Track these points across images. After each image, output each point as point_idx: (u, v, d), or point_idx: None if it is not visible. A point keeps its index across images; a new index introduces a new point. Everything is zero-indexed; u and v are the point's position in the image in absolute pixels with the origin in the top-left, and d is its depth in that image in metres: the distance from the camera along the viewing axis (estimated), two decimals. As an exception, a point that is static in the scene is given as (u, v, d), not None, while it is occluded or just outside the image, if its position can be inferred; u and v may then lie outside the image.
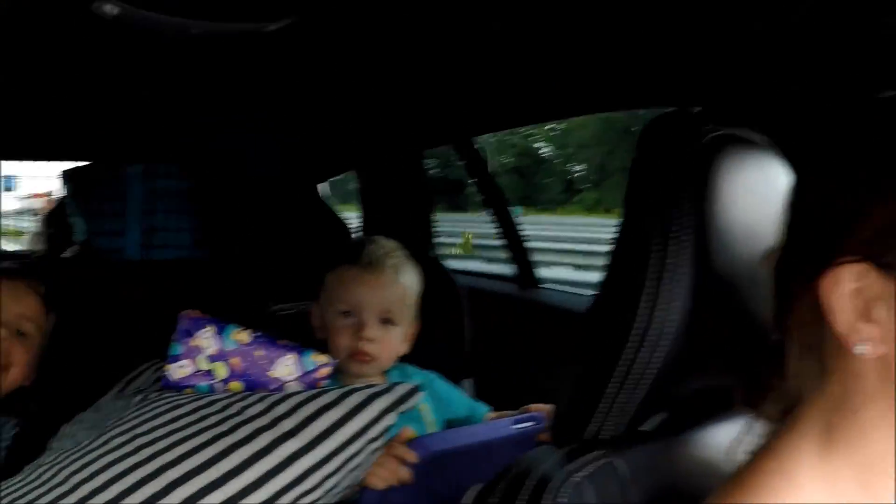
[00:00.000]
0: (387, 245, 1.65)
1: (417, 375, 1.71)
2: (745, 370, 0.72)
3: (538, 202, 24.41)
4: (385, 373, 1.66)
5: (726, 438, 0.78)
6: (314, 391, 1.28)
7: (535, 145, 27.09)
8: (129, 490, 1.10)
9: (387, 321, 1.59)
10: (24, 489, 1.15)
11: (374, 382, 1.60)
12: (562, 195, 26.23)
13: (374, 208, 2.55)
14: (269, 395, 1.28)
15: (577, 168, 27.13)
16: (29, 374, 1.59)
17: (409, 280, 1.64)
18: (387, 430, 1.26)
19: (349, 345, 1.57)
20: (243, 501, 1.12)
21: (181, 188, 2.50)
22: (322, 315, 1.63)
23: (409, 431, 1.36)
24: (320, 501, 1.21)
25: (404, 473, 1.32)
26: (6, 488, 1.18)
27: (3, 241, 8.39)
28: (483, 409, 1.73)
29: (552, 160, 27.80)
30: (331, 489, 1.21)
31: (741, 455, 0.68)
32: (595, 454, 0.77)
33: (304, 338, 1.58)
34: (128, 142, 2.44)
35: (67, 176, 2.59)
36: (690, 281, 0.76)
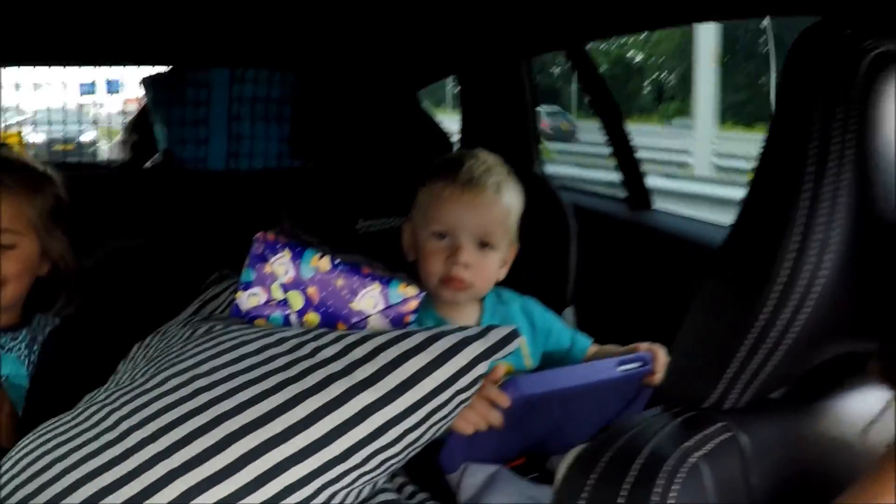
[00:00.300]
0: (488, 160, 1.49)
1: (514, 301, 1.57)
2: (891, 338, 0.64)
3: (629, 110, 24.63)
4: (480, 300, 1.52)
5: (861, 411, 0.72)
6: (397, 333, 1.12)
7: (628, 55, 27.44)
8: (180, 442, 0.97)
9: (485, 245, 1.44)
10: (75, 430, 1.04)
11: (466, 311, 1.49)
12: (651, 104, 26.13)
13: (474, 117, 2.36)
14: (346, 335, 1.13)
15: (663, 78, 27.37)
16: (29, 281, 1.49)
17: (510, 200, 1.48)
18: (478, 380, 1.11)
19: (442, 270, 1.43)
20: (310, 458, 0.98)
21: (270, 94, 2.36)
22: (414, 235, 1.50)
23: (503, 369, 1.21)
24: (399, 456, 1.07)
25: (495, 417, 1.18)
26: (57, 424, 1.07)
27: (107, 142, 8.46)
28: (584, 342, 1.58)
29: (642, 69, 27.71)
30: (411, 444, 1.07)
31: (878, 438, 0.61)
32: (716, 427, 0.67)
33: (393, 258, 1.46)
34: (222, 45, 2.31)
35: (148, 82, 2.48)
36: (847, 227, 0.64)
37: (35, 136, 8.39)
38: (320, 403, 1.01)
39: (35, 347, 1.50)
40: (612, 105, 2.15)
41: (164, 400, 1.03)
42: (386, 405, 1.03)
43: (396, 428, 1.04)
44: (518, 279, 1.54)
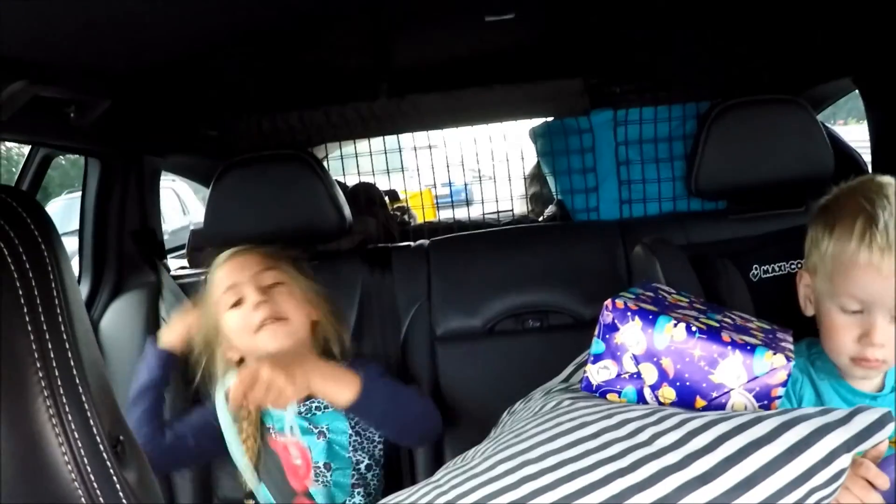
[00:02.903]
0: None
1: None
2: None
3: None
4: None
5: None
6: (746, 419, 0.96)
7: None
8: None
9: None
10: None
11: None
12: None
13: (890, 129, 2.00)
14: (691, 419, 0.99)
15: None
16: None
17: None
18: (839, 475, 0.91)
19: (853, 350, 1.20)
20: None
21: (661, 133, 2.24)
22: (815, 294, 1.27)
23: (883, 445, 0.98)
24: None
25: (874, 501, 0.97)
26: None
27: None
28: None
29: None
30: None
31: None
32: None
33: (788, 309, 1.31)
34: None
35: (534, 133, 2.49)
36: None
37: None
38: (650, 501, 0.90)
39: None
40: None
41: (489, 487, 0.98)
42: None
43: None
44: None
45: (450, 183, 2.92)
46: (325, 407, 1.57)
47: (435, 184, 2.90)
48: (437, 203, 3.05)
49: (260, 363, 1.33)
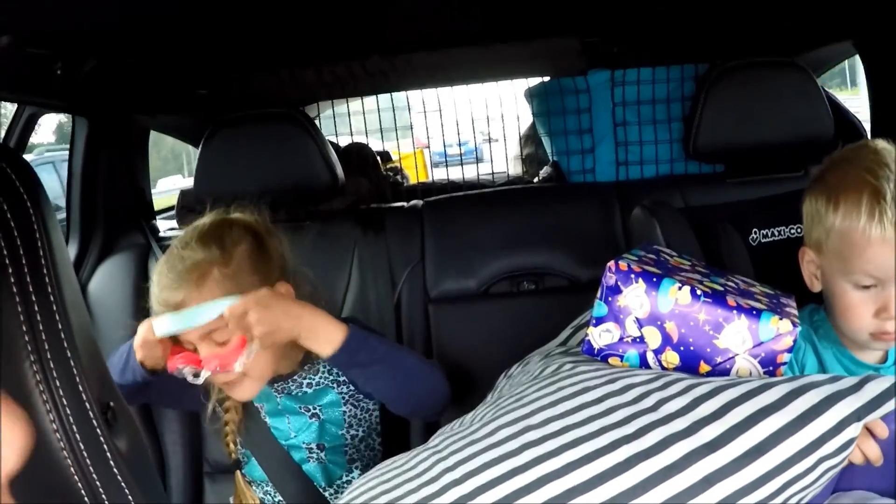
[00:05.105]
0: None
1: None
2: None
3: None
4: None
5: None
6: (754, 385, 0.94)
7: None
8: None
9: None
10: (401, 477, 1.01)
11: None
12: None
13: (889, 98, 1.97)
14: (697, 385, 0.97)
15: None
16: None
17: None
18: (848, 444, 0.89)
19: (871, 325, 1.18)
20: None
21: (659, 94, 2.21)
22: (822, 272, 1.24)
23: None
24: None
25: (871, 450, 0.95)
26: (389, 468, 1.05)
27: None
28: None
29: None
30: None
31: None
32: None
33: (788, 275, 1.28)
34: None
35: (530, 93, 2.45)
36: None
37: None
38: (657, 468, 0.88)
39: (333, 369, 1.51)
40: None
41: (489, 454, 0.96)
42: (733, 473, 0.86)
43: (744, 501, 0.86)
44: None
45: (464, 143, 2.87)
46: (317, 384, 1.53)
47: (429, 144, 2.86)
48: (431, 163, 3.01)
49: (270, 293, 1.32)
